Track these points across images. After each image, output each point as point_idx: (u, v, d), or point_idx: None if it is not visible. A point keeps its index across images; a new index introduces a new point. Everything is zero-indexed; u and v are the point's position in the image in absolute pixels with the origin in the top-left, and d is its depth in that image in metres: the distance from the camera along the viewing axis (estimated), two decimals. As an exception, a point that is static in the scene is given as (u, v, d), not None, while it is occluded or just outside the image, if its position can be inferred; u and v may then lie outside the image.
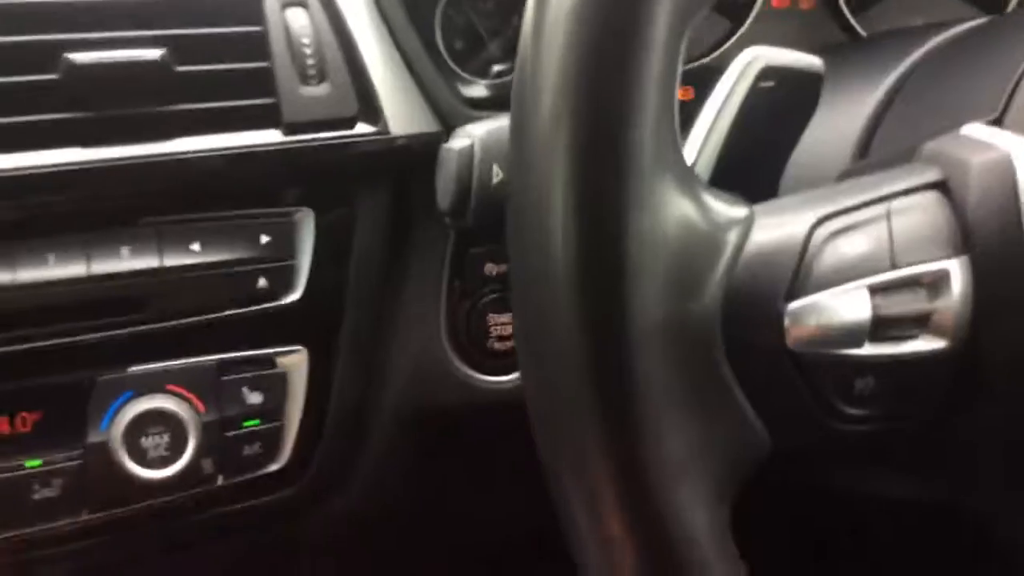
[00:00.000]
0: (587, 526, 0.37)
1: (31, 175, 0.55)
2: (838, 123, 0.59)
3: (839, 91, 0.59)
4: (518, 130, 0.37)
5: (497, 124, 0.49)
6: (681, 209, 0.37)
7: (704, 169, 0.43)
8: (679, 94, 0.38)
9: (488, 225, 0.47)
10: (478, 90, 0.68)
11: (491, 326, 0.71)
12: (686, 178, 0.38)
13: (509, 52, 0.71)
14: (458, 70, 0.68)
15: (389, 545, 0.77)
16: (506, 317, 0.71)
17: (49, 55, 0.55)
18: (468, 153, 0.48)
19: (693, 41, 0.39)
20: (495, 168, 0.48)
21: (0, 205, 0.55)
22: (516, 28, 0.71)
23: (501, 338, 0.72)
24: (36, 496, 0.57)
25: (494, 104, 0.67)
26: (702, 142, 0.43)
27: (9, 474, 0.56)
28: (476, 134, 0.49)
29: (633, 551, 0.37)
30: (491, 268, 0.71)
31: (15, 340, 0.56)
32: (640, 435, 0.36)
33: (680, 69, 0.38)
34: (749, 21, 0.76)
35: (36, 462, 0.57)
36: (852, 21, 0.79)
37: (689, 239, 0.37)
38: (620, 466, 0.36)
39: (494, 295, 0.70)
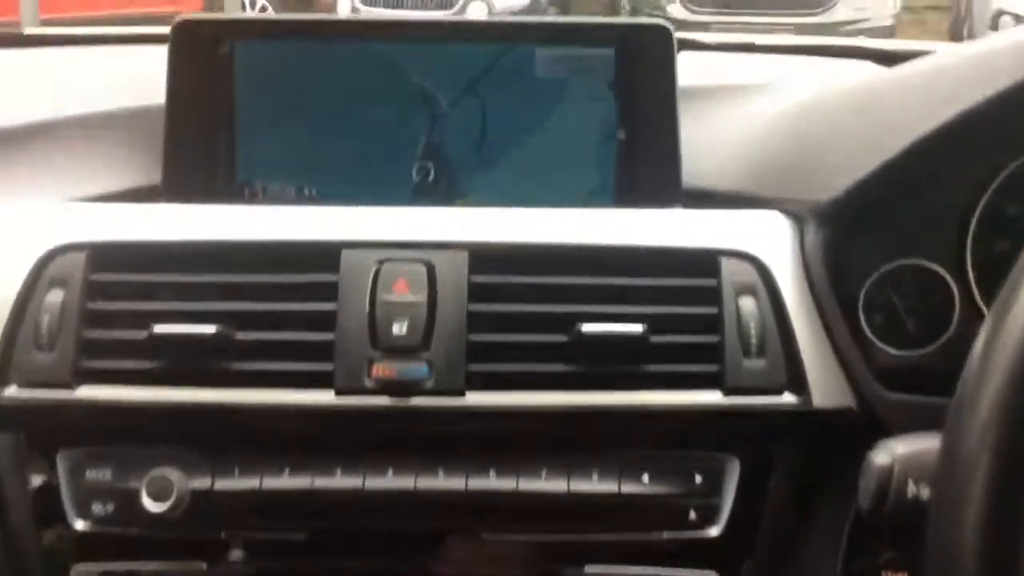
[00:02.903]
0: None
1: (540, 411, 0.74)
2: None
3: None
4: (947, 452, 0.47)
5: (915, 446, 0.58)
6: None
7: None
8: None
9: (899, 527, 0.56)
10: (891, 361, 0.78)
11: (885, 582, 0.79)
12: None
13: (923, 327, 0.80)
14: (876, 340, 0.79)
15: None
16: (899, 576, 0.78)
17: (567, 322, 0.74)
18: (888, 469, 0.57)
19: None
20: (911, 483, 0.57)
21: (512, 427, 0.74)
22: (931, 306, 0.81)
23: (893, 596, 0.79)
24: None
25: (902, 378, 0.77)
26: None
27: None
28: (897, 453, 0.59)
29: None
30: (890, 528, 0.79)
31: (514, 530, 0.75)
32: None
33: None
34: None
35: None
36: None
37: None
38: None
39: (890, 555, 0.78)
